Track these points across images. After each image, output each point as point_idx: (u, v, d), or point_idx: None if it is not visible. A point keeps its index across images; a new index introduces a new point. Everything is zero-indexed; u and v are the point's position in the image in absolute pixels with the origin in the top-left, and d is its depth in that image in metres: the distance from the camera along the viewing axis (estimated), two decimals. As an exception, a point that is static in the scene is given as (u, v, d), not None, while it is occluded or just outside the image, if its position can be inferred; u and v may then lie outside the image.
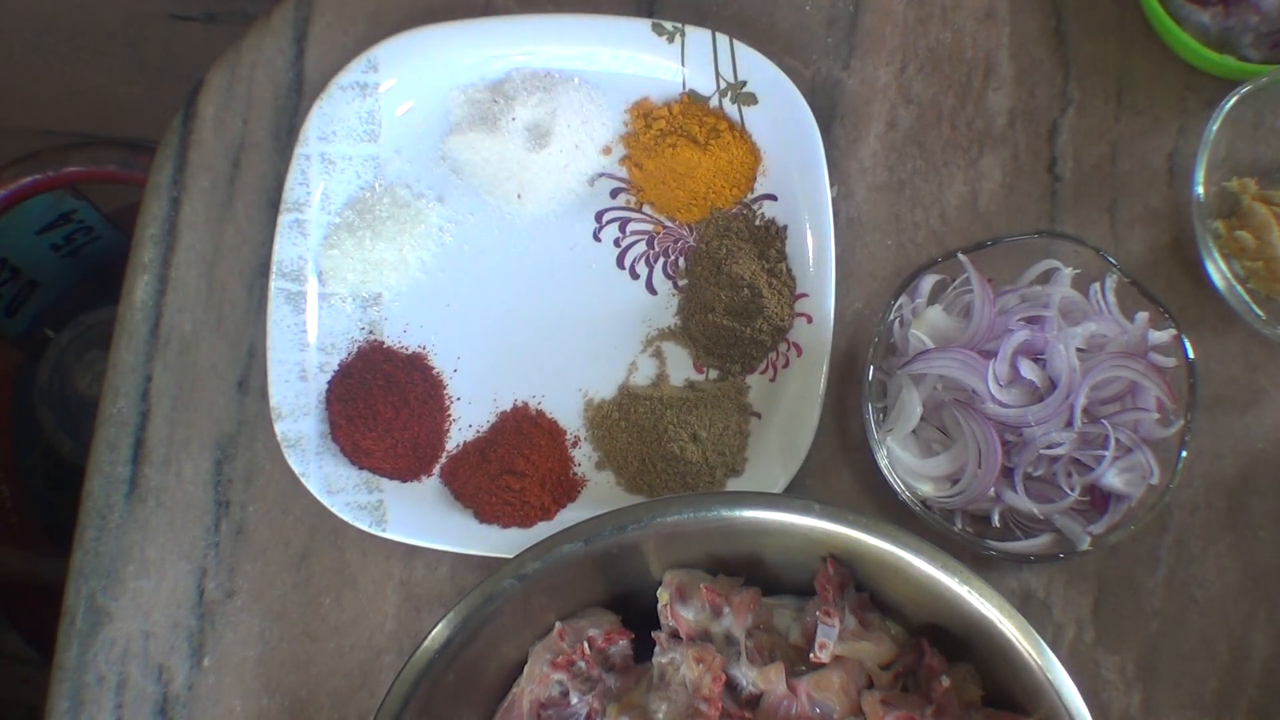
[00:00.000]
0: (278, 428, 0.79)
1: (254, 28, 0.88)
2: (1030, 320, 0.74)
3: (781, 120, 0.81)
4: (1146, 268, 0.81)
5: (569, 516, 0.78)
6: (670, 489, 0.78)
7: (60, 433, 1.29)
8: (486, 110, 0.83)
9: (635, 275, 0.83)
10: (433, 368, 0.82)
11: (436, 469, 0.80)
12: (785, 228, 0.81)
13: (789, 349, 0.80)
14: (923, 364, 0.74)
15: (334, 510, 0.78)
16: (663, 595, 0.67)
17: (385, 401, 0.79)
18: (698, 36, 0.82)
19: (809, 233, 0.80)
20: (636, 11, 0.86)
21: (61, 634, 0.81)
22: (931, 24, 0.85)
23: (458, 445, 0.81)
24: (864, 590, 0.67)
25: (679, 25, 0.82)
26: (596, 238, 0.83)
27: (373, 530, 0.77)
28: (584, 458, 0.80)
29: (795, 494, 0.78)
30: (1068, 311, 0.75)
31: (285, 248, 0.81)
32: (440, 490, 0.80)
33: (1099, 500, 0.74)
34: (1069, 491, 0.72)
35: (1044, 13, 0.84)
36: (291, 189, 0.82)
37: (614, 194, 0.84)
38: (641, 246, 0.83)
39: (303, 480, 0.78)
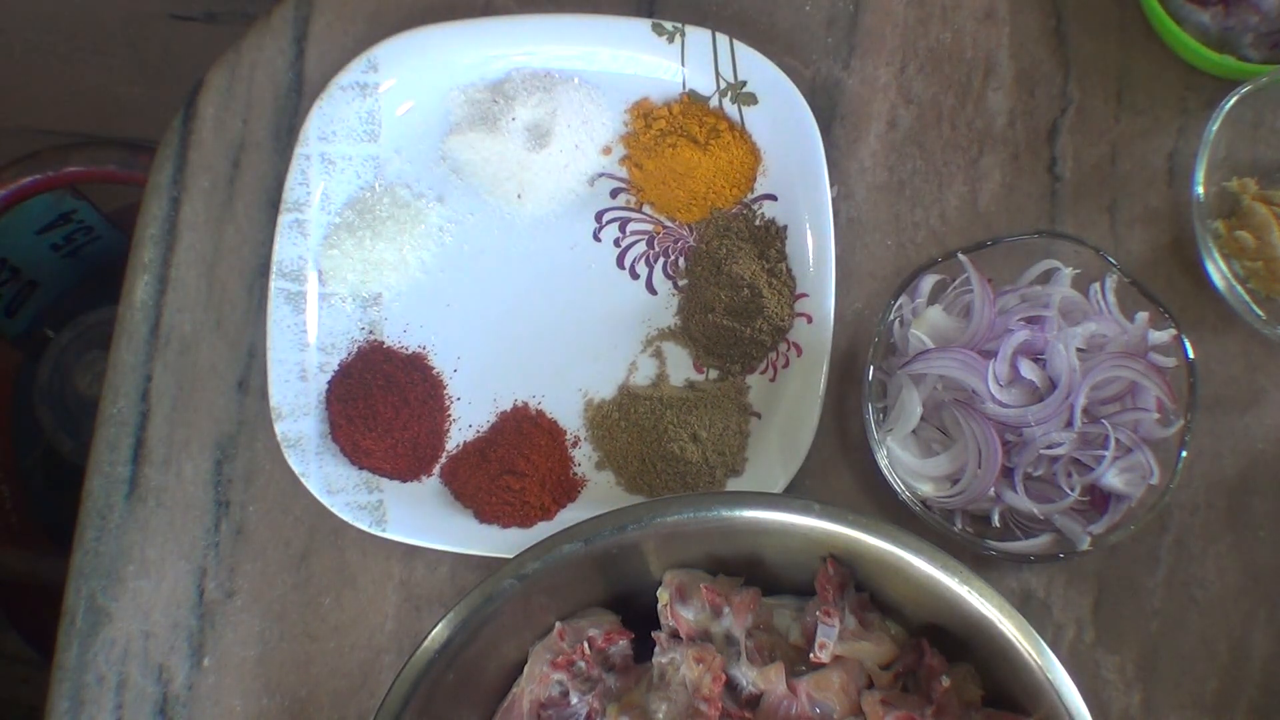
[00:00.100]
0: (278, 428, 0.79)
1: (254, 28, 0.88)
2: (1030, 320, 0.74)
3: (781, 120, 0.81)
4: (1146, 268, 0.81)
5: (569, 516, 0.78)
6: (670, 489, 0.78)
7: (60, 433, 1.29)
8: (486, 110, 0.83)
9: (635, 275, 0.83)
10: (433, 368, 0.82)
11: (436, 469, 0.80)
12: (785, 228, 0.81)
13: (789, 349, 0.80)
14: (923, 364, 0.74)
15: (334, 510, 0.78)
16: (663, 595, 0.67)
17: (385, 401, 0.79)
18: (698, 36, 0.82)
19: (809, 233, 0.80)
20: (636, 11, 0.86)
21: (61, 634, 0.81)
22: (931, 24, 0.85)
23: (458, 445, 0.81)
24: (864, 590, 0.67)
25: (679, 25, 0.82)
26: (596, 238, 0.83)
27: (373, 530, 0.77)
28: (584, 458, 0.80)
29: (795, 494, 0.78)
30: (1068, 311, 0.75)
31: (285, 248, 0.81)
32: (440, 490, 0.80)
33: (1099, 500, 0.74)
34: (1069, 491, 0.72)
35: (1044, 13, 0.84)
36: (291, 189, 0.82)
37: (614, 194, 0.84)
38: (641, 246, 0.83)
39: (303, 480, 0.78)
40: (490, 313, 0.82)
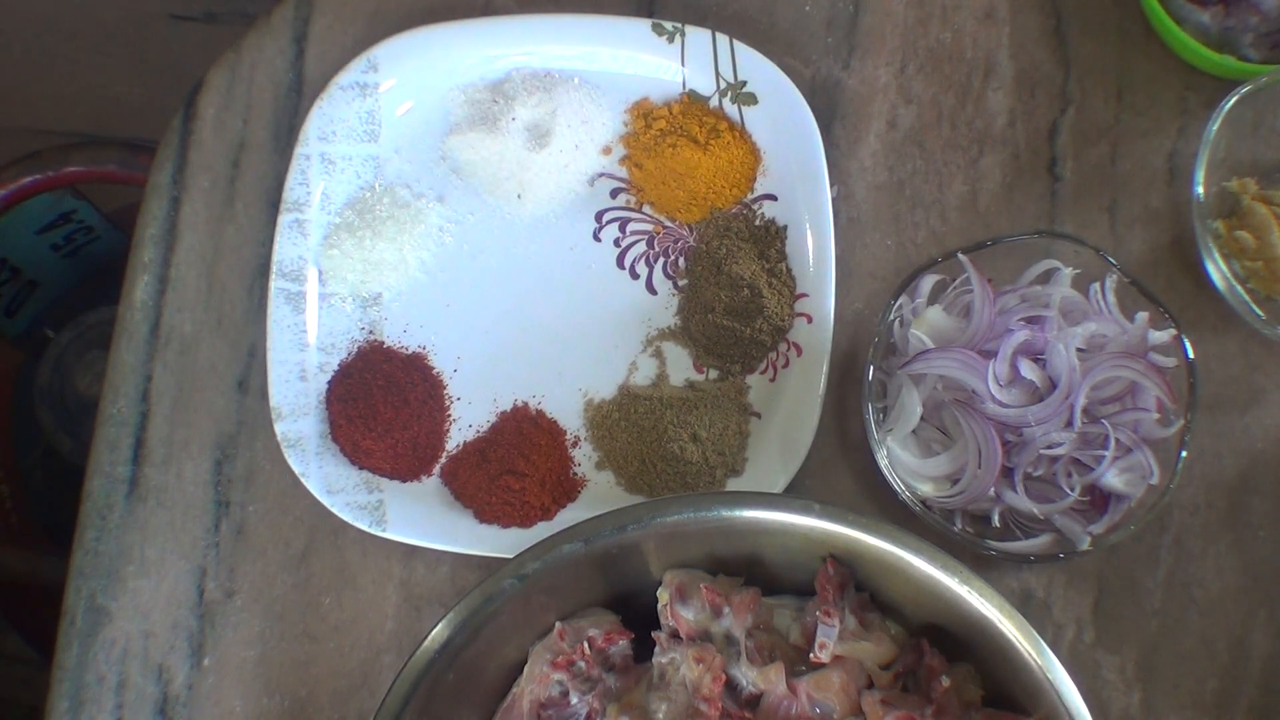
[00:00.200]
0: (278, 428, 0.79)
1: (254, 28, 0.88)
2: (1030, 320, 0.74)
3: (781, 120, 0.81)
4: (1146, 268, 0.81)
5: (569, 516, 0.78)
6: (670, 489, 0.78)
7: (60, 433, 1.29)
8: (486, 110, 0.83)
9: (635, 275, 0.83)
10: (433, 368, 0.82)
11: (436, 469, 0.80)
12: (785, 228, 0.81)
13: (789, 349, 0.80)
14: (923, 364, 0.74)
15: (334, 510, 0.78)
16: (663, 595, 0.67)
17: (385, 401, 0.79)
18: (698, 36, 0.82)
19: (809, 233, 0.80)
20: (636, 11, 0.86)
21: (61, 634, 0.81)
22: (931, 24, 0.85)
23: (458, 445, 0.81)
24: (864, 590, 0.67)
25: (679, 25, 0.82)
26: (596, 238, 0.83)
27: (373, 530, 0.77)
28: (584, 458, 0.80)
29: (795, 494, 0.78)
30: (1068, 311, 0.75)
31: (285, 248, 0.81)
32: (440, 490, 0.80)
33: (1099, 500, 0.74)
34: (1069, 491, 0.72)
35: (1044, 13, 0.84)
36: (291, 189, 0.82)
37: (614, 194, 0.84)
38: (641, 246, 0.83)
39: (303, 480, 0.78)
40: (490, 313, 0.82)
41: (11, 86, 1.67)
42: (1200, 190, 0.76)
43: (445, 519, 0.78)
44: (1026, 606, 0.77)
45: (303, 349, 0.81)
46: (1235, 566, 0.77)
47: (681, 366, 0.81)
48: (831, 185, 0.80)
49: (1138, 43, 0.84)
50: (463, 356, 0.82)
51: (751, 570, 0.68)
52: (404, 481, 0.80)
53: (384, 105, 0.83)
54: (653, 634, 0.68)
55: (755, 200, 0.82)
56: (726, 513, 0.64)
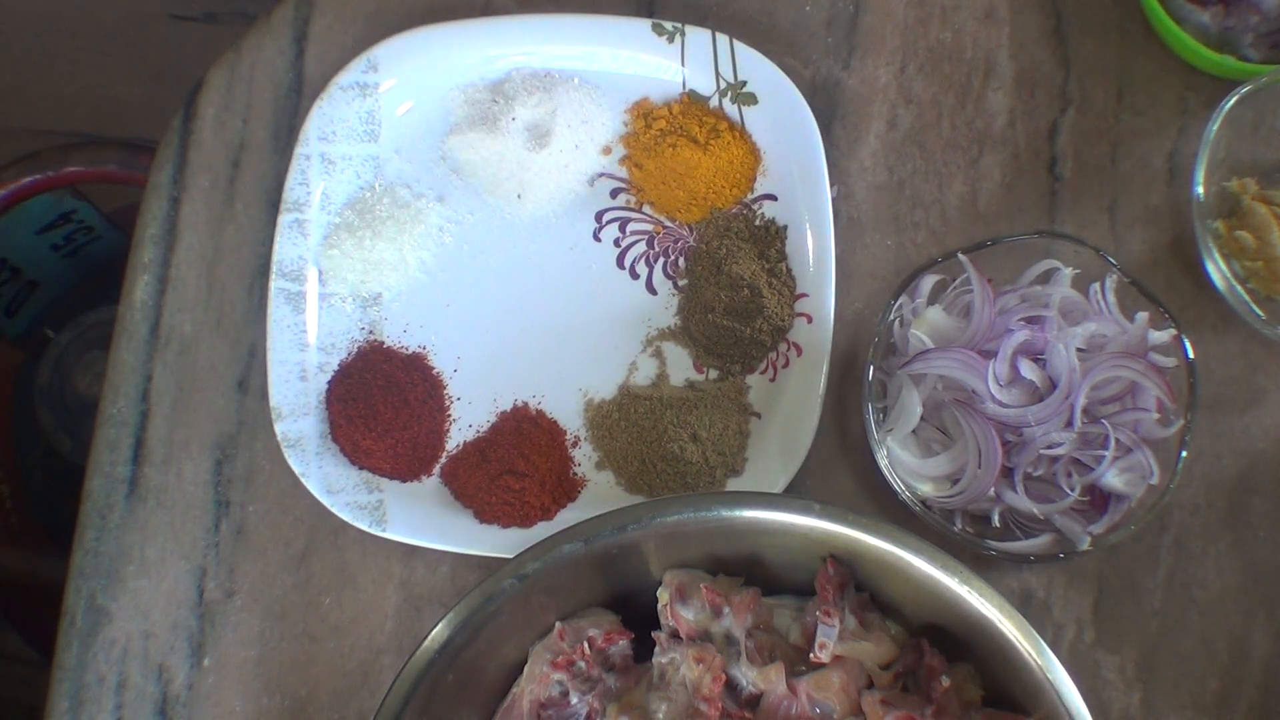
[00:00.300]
0: (278, 428, 0.79)
1: (254, 28, 0.88)
2: (1030, 320, 0.74)
3: (781, 120, 0.81)
4: (1146, 268, 0.81)
5: (569, 516, 0.78)
6: (670, 489, 0.78)
7: (60, 433, 1.29)
8: (486, 110, 0.83)
9: (635, 275, 0.83)
10: (433, 368, 0.82)
11: (436, 469, 0.80)
12: (785, 228, 0.81)
13: (789, 349, 0.80)
14: (923, 364, 0.74)
15: (334, 510, 0.78)
16: (663, 595, 0.67)
17: (385, 401, 0.79)
18: (698, 36, 0.82)
19: (809, 233, 0.80)
20: (636, 11, 0.86)
21: (61, 634, 0.81)
22: (931, 24, 0.85)
23: (458, 445, 0.81)
24: (864, 590, 0.67)
25: (679, 25, 0.82)
26: (596, 238, 0.83)
27: (373, 530, 0.77)
28: (584, 458, 0.80)
29: (795, 494, 0.78)
30: (1068, 311, 0.75)
31: (285, 248, 0.81)
32: (440, 490, 0.80)
33: (1099, 500, 0.74)
34: (1069, 491, 0.72)
35: (1044, 13, 0.84)
36: (291, 189, 0.82)
37: (614, 194, 0.84)
38: (641, 246, 0.83)
39: (303, 480, 0.78)
40: (490, 313, 0.82)
41: (11, 86, 1.67)
42: (1200, 190, 0.76)
43: (445, 519, 0.78)
44: (1026, 606, 0.77)
45: (303, 349, 0.81)
46: (1235, 566, 0.77)
47: (681, 366, 0.81)
48: (831, 185, 0.80)
49: (1138, 43, 0.84)
50: (463, 356, 0.82)
51: (751, 570, 0.68)
52: (404, 481, 0.80)
53: (384, 105, 0.83)
54: (653, 634, 0.68)
55: (755, 200, 0.82)
56: (726, 513, 0.64)
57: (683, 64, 0.83)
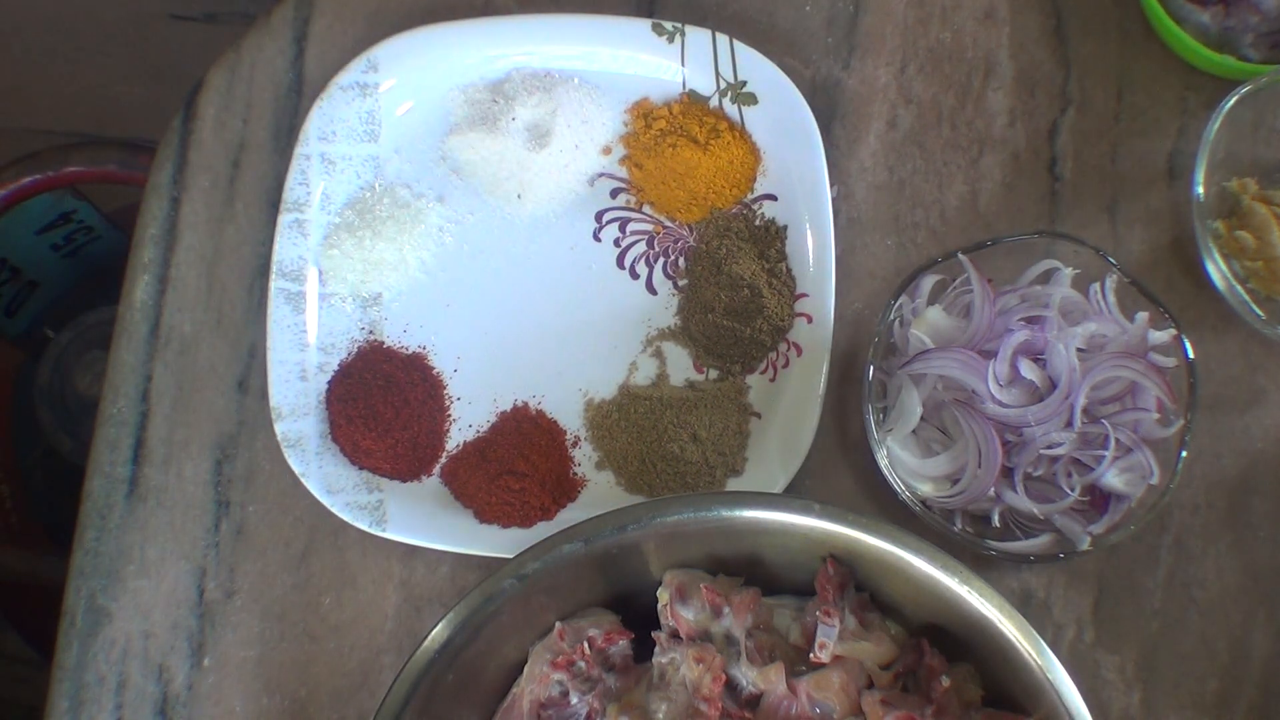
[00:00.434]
0: (278, 428, 0.79)
1: (254, 28, 0.88)
2: (1030, 320, 0.74)
3: (781, 120, 0.81)
4: (1146, 268, 0.81)
5: (569, 516, 0.78)
6: (670, 489, 0.78)
7: (60, 433, 1.29)
8: (486, 110, 0.83)
9: (635, 275, 0.83)
10: (433, 368, 0.82)
11: (436, 469, 0.80)
12: (785, 228, 0.81)
13: (789, 349, 0.80)
14: (923, 364, 0.74)
15: (334, 510, 0.78)
16: (663, 595, 0.67)
17: (385, 401, 0.79)
18: (698, 36, 0.82)
19: (809, 233, 0.80)
20: (636, 11, 0.86)
21: (61, 634, 0.81)
22: (931, 24, 0.85)
23: (458, 445, 0.81)
24: (864, 590, 0.67)
25: (679, 25, 0.82)
26: (596, 238, 0.83)
27: (373, 530, 0.77)
28: (584, 458, 0.80)
29: (795, 494, 0.78)
30: (1068, 311, 0.75)
31: (285, 248, 0.81)
32: (440, 490, 0.80)
33: (1099, 500, 0.74)
34: (1069, 491, 0.72)
35: (1044, 13, 0.84)
36: (291, 189, 0.82)
37: (614, 194, 0.84)
38: (641, 246, 0.83)
39: (303, 480, 0.78)
40: (490, 313, 0.82)
41: (11, 86, 1.67)
42: (1200, 190, 0.76)
43: (445, 519, 0.78)
44: (1026, 606, 0.77)
45: (303, 349, 0.81)
46: (1235, 566, 0.77)
47: (681, 366, 0.81)
48: (831, 185, 0.80)
49: (1138, 43, 0.84)
50: (463, 356, 0.82)
51: (751, 570, 0.68)
52: (404, 481, 0.80)
53: (384, 105, 0.83)
54: (653, 634, 0.68)
55: (755, 200, 0.82)
56: (726, 513, 0.64)
57: (683, 64, 0.83)
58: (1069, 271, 0.76)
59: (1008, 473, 0.74)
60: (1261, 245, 0.77)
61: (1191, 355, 0.73)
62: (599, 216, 0.83)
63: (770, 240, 0.81)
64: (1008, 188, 0.83)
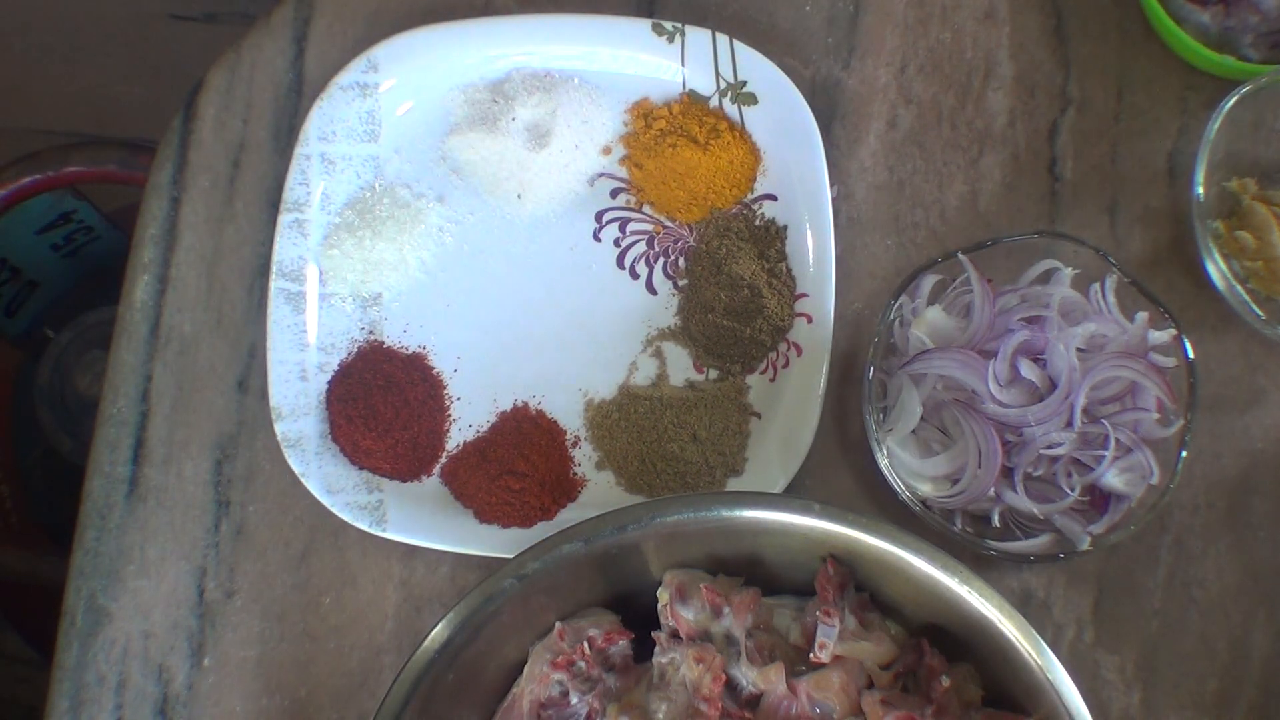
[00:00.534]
0: (278, 428, 0.79)
1: (254, 28, 0.88)
2: (1030, 320, 0.74)
3: (781, 120, 0.81)
4: (1146, 268, 0.81)
5: (569, 516, 0.78)
6: (670, 489, 0.78)
7: (60, 433, 1.29)
8: (486, 110, 0.83)
9: (635, 275, 0.83)
10: (433, 368, 0.82)
11: (436, 469, 0.80)
12: (785, 228, 0.81)
13: (789, 349, 0.80)
14: (923, 364, 0.74)
15: (334, 510, 0.78)
16: (663, 595, 0.67)
17: (385, 401, 0.79)
18: (698, 36, 0.82)
19: (809, 233, 0.80)
20: (636, 11, 0.86)
21: (61, 634, 0.81)
22: (931, 24, 0.85)
23: (458, 445, 0.81)
24: (864, 590, 0.67)
25: (679, 25, 0.82)
26: (596, 238, 0.83)
27: (373, 530, 0.77)
28: (584, 458, 0.80)
29: (795, 494, 0.78)
30: (1068, 311, 0.75)
31: (285, 248, 0.81)
32: (440, 490, 0.80)
33: (1099, 500, 0.74)
34: (1069, 491, 0.72)
35: (1044, 13, 0.84)
36: (291, 189, 0.82)
37: (614, 194, 0.84)
38: (641, 246, 0.83)
39: (303, 480, 0.78)
40: (490, 313, 0.82)
41: (11, 86, 1.67)
42: (1200, 190, 0.76)
43: (445, 519, 0.78)
44: (1026, 606, 0.77)
45: (303, 349, 0.81)
46: (1235, 566, 0.77)
47: (681, 366, 0.81)
48: (831, 185, 0.80)
49: (1138, 43, 0.84)
50: (463, 356, 0.82)
51: (751, 570, 0.68)
52: (404, 481, 0.80)
53: (384, 105, 0.83)
54: (653, 634, 0.68)
55: (755, 200, 0.82)
56: (726, 513, 0.64)
57: (683, 64, 0.83)
58: (1069, 271, 0.76)
59: (1008, 473, 0.74)
60: (1261, 245, 0.77)
61: (1191, 355, 0.73)
62: (599, 216, 0.83)
63: (770, 240, 0.81)
64: (1008, 188, 0.83)
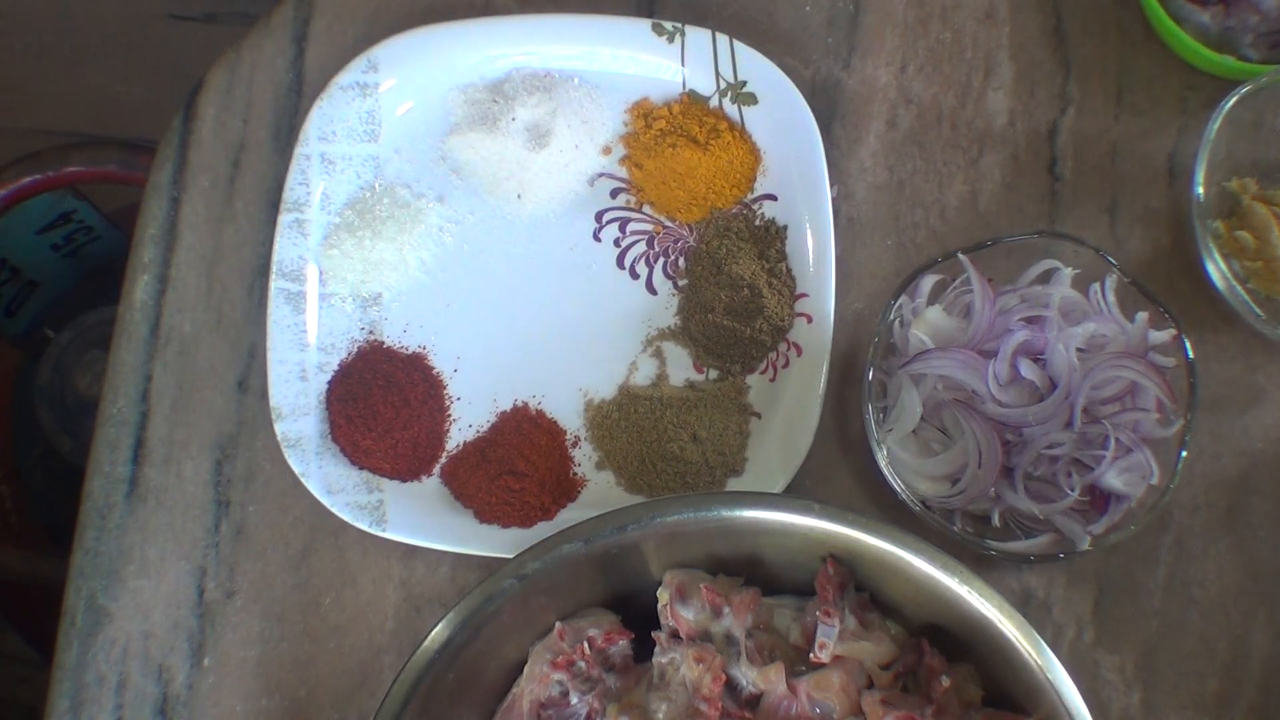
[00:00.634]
0: (278, 428, 0.79)
1: (254, 28, 0.88)
2: (1030, 320, 0.74)
3: (781, 120, 0.81)
4: (1146, 268, 0.81)
5: (569, 516, 0.78)
6: (670, 489, 0.78)
7: (60, 433, 1.29)
8: (486, 110, 0.83)
9: (635, 275, 0.83)
10: (433, 368, 0.82)
11: (436, 469, 0.80)
12: (785, 228, 0.81)
13: (789, 349, 0.80)
14: (923, 364, 0.74)
15: (334, 510, 0.78)
16: (663, 595, 0.67)
17: (385, 401, 0.79)
18: (698, 36, 0.82)
19: (809, 233, 0.80)
20: (636, 11, 0.86)
21: (61, 634, 0.81)
22: (931, 24, 0.85)
23: (458, 445, 0.81)
24: (864, 590, 0.67)
25: (679, 25, 0.82)
26: (596, 238, 0.83)
27: (373, 530, 0.77)
28: (584, 458, 0.80)
29: (795, 494, 0.78)
30: (1068, 311, 0.75)
31: (285, 248, 0.81)
32: (440, 490, 0.80)
33: (1099, 500, 0.74)
34: (1069, 491, 0.72)
35: (1044, 13, 0.84)
36: (291, 189, 0.82)
37: (614, 194, 0.84)
38: (641, 246, 0.83)
39: (303, 480, 0.78)
40: (490, 312, 0.82)
41: (11, 86, 1.68)
42: (1200, 190, 0.76)
43: (445, 519, 0.78)
44: (1026, 606, 0.77)
45: (303, 349, 0.81)
46: (1235, 566, 0.77)
47: (681, 366, 0.81)
48: (831, 185, 0.80)
49: (1138, 43, 0.84)
50: (463, 356, 0.82)
51: (751, 570, 0.68)
52: (404, 481, 0.80)
53: (384, 105, 0.83)
54: (653, 634, 0.68)
55: (755, 200, 0.82)
56: (726, 513, 0.64)
57: (683, 64, 0.83)
58: (1069, 271, 0.76)
59: (1008, 473, 0.74)
60: (1261, 245, 0.77)
61: (1191, 355, 0.73)
62: (599, 216, 0.83)
63: (770, 240, 0.81)
64: (1008, 188, 0.83)
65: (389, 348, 0.82)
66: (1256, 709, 0.76)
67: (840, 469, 0.79)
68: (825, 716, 0.64)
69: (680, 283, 0.82)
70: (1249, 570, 0.77)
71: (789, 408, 0.78)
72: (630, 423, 0.80)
